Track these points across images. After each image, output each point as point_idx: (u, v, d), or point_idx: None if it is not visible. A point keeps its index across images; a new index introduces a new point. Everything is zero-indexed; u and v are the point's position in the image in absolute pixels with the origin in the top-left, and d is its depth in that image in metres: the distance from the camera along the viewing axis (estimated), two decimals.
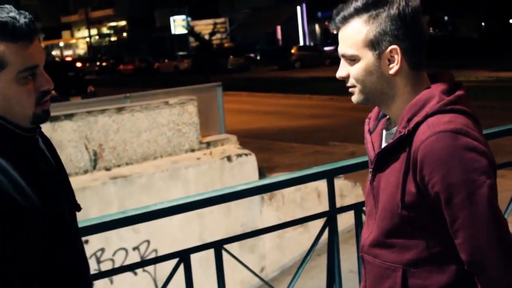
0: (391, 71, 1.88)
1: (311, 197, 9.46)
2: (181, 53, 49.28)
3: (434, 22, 41.45)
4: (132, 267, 3.65)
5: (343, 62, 1.94)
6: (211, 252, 3.50)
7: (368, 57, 1.89)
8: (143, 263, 3.37)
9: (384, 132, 2.02)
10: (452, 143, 1.78)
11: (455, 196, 1.79)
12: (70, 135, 8.24)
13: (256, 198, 9.13)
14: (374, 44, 1.87)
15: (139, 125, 8.83)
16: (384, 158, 1.93)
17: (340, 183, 9.35)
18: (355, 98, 1.98)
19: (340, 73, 1.95)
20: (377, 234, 1.97)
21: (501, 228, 1.82)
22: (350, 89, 1.97)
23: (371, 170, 2.00)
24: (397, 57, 1.87)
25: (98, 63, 54.51)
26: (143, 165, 8.72)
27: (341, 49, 1.93)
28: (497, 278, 1.82)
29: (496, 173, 1.86)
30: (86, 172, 8.33)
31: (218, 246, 3.57)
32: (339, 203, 3.71)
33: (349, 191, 9.71)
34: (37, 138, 1.89)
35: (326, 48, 42.32)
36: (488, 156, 1.82)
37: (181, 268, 3.48)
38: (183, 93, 9.81)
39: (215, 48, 41.60)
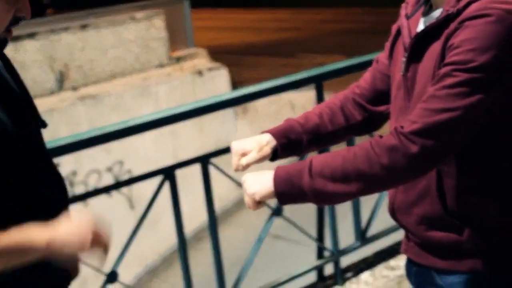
0: None
1: (285, 110, 9.29)
2: None
3: None
4: (116, 186, 3.47)
5: None
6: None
7: None
8: (128, 181, 3.20)
9: (422, 18, 1.78)
10: (503, 25, 1.54)
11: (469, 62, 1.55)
12: (33, 55, 7.88)
13: (230, 113, 8.94)
14: None
15: (105, 42, 8.47)
16: (423, 42, 1.70)
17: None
18: None
19: None
20: None
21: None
22: None
23: (404, 59, 1.77)
24: None
25: None
26: (112, 83, 8.41)
27: None
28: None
29: None
30: (52, 93, 8.02)
31: (205, 161, 3.39)
32: None
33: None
34: None
35: None
36: None
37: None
38: (149, 7, 9.43)
39: None
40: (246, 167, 1.90)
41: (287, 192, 1.69)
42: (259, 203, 1.75)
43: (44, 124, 1.86)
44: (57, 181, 1.85)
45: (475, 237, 1.73)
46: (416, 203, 1.80)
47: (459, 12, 1.61)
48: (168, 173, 3.30)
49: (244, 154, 1.91)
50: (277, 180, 1.70)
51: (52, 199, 1.79)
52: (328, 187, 1.65)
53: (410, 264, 1.96)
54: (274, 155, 1.96)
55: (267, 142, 1.94)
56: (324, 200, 1.72)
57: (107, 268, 3.20)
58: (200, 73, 8.96)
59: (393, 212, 1.90)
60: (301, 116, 2.03)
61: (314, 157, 1.71)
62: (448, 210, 1.74)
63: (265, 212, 3.13)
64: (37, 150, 1.78)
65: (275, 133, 1.96)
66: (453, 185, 1.72)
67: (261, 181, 1.73)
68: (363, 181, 1.64)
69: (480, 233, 1.73)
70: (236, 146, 1.93)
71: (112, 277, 3.23)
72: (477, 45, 1.55)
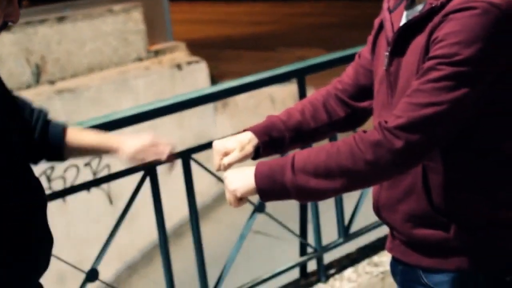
0: None
1: (264, 104, 9.26)
2: None
3: None
4: (97, 182, 3.42)
5: None
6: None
7: None
8: (109, 177, 3.14)
9: (405, 12, 1.75)
10: (488, 18, 1.52)
11: (455, 55, 1.53)
12: (9, 48, 7.78)
13: (209, 108, 8.90)
14: None
15: (82, 35, 8.40)
16: (406, 36, 1.67)
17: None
18: None
19: None
20: None
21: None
22: None
23: (387, 53, 1.74)
24: None
25: None
26: (89, 77, 8.33)
27: None
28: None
29: None
30: (29, 86, 7.94)
31: (186, 156, 3.34)
32: None
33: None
34: None
35: None
36: None
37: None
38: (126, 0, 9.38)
39: None
40: (228, 166, 1.87)
41: (268, 189, 1.66)
42: (241, 199, 1.72)
43: None
44: (34, 182, 1.85)
45: (462, 234, 1.71)
46: (401, 200, 1.77)
47: (443, 5, 1.59)
48: (149, 169, 3.25)
49: (226, 153, 1.88)
50: (258, 176, 1.66)
51: (32, 199, 1.80)
52: (311, 183, 1.62)
53: (395, 262, 1.94)
54: (257, 153, 1.92)
55: (249, 140, 1.90)
56: (307, 196, 1.69)
57: (87, 266, 3.14)
58: (179, 66, 8.91)
59: (377, 210, 1.87)
60: (283, 112, 2.00)
61: (297, 153, 1.68)
62: (434, 206, 1.72)
63: (246, 207, 3.08)
64: (19, 152, 1.77)
65: (257, 131, 1.92)
66: (439, 180, 1.70)
67: (242, 178, 1.69)
68: (347, 177, 1.61)
69: (467, 229, 1.71)
70: (218, 145, 1.89)
71: (92, 275, 3.16)
72: (462, 38, 1.52)
